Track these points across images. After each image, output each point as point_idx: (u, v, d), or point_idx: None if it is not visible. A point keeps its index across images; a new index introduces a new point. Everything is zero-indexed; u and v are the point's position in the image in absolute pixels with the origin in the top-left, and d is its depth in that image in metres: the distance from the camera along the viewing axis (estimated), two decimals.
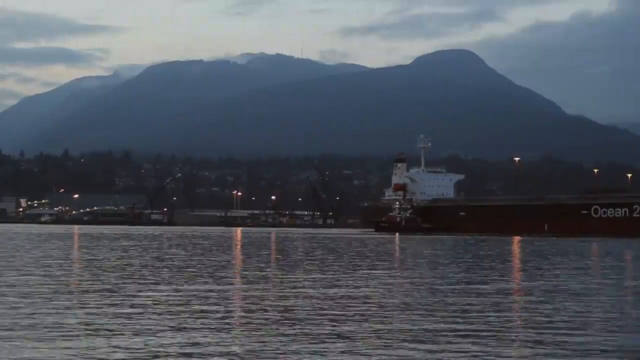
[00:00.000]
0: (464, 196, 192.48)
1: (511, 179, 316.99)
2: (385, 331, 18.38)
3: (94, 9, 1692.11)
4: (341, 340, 16.98)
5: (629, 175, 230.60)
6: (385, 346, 16.37)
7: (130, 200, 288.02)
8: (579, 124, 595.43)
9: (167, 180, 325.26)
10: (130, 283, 30.03)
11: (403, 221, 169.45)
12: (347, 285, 30.49)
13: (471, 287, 30.51)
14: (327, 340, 17.00)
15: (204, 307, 22.20)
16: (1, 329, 17.89)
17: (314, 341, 16.82)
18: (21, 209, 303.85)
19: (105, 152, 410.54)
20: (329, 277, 34.53)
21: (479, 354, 15.66)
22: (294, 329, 18.43)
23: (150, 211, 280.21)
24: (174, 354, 15.32)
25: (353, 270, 40.19)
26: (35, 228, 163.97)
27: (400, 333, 18.09)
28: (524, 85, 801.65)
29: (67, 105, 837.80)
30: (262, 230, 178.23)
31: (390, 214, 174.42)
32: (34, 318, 19.66)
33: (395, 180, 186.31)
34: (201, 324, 19.05)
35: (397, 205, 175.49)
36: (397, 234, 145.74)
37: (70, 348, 15.67)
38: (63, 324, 18.78)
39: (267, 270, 38.94)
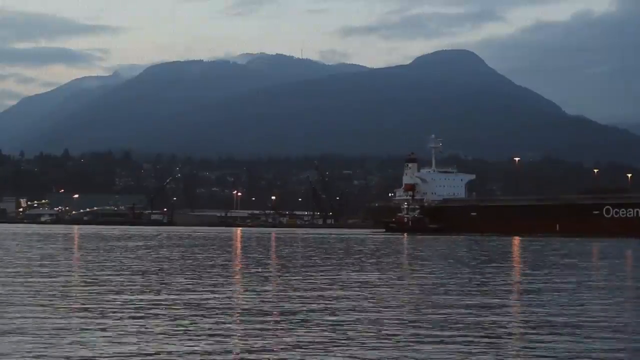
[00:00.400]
0: (475, 196, 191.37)
1: (511, 179, 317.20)
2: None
3: (94, 9, 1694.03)
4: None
5: (629, 175, 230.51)
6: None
7: (130, 200, 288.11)
8: (579, 124, 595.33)
9: (167, 180, 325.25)
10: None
11: (410, 221, 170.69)
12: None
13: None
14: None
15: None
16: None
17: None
18: (21, 209, 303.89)
19: (105, 152, 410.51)
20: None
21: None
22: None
23: (150, 211, 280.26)
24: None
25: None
26: (34, 228, 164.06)
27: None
28: (524, 85, 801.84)
29: (67, 105, 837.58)
30: (263, 231, 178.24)
31: (399, 214, 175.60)
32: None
33: (406, 180, 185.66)
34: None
35: (405, 206, 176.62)
36: (405, 234, 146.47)
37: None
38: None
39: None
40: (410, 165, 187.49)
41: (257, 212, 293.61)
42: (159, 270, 38.30)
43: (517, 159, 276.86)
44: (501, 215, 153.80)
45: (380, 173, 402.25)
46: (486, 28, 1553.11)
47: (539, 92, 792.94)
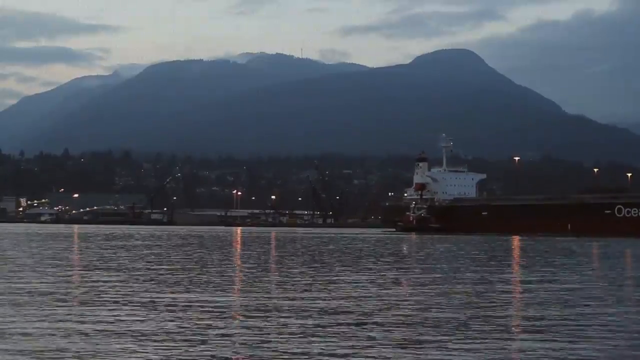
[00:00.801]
0: (486, 196, 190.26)
1: (511, 178, 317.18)
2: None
3: (94, 9, 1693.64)
4: None
5: (629, 174, 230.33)
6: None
7: (130, 200, 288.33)
8: (579, 123, 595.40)
9: (167, 180, 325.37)
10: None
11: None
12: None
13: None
14: None
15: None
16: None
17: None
18: (21, 209, 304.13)
19: (105, 152, 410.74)
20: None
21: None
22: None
23: (150, 211, 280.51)
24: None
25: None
26: (34, 227, 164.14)
27: None
28: (524, 85, 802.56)
29: (67, 104, 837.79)
30: (264, 230, 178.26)
31: (407, 213, 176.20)
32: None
33: (416, 179, 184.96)
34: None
35: (413, 205, 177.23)
36: (413, 233, 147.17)
37: None
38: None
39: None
40: (420, 164, 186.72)
41: (257, 211, 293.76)
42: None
43: (517, 158, 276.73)
44: (512, 215, 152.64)
45: (380, 172, 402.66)
46: (487, 27, 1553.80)
47: (539, 91, 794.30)
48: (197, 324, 19.05)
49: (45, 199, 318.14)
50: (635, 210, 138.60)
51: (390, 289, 29.55)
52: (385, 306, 23.32)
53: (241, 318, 20.53)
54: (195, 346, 16.16)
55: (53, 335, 17.23)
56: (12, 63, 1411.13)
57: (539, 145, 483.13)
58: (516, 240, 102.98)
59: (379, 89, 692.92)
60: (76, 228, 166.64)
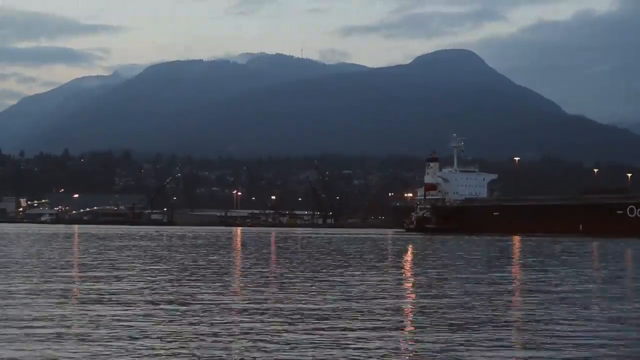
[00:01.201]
0: (497, 196, 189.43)
1: (511, 178, 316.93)
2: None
3: (94, 9, 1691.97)
4: None
5: (629, 175, 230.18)
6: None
7: (130, 200, 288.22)
8: (579, 124, 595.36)
9: (167, 180, 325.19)
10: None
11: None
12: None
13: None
14: None
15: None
16: None
17: None
18: (21, 209, 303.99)
19: (105, 152, 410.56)
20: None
21: None
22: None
23: (150, 211, 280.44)
24: None
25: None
26: (35, 228, 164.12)
27: None
28: (524, 85, 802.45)
29: (67, 105, 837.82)
30: (264, 230, 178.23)
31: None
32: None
33: (427, 179, 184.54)
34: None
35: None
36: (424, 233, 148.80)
37: None
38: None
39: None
40: (431, 164, 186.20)
41: (257, 211, 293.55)
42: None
43: (517, 158, 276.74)
44: (524, 215, 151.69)
45: (380, 173, 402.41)
46: (487, 27, 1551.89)
47: (539, 91, 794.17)
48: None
49: (45, 199, 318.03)
50: None
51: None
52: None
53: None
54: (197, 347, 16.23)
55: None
56: (12, 63, 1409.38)
57: (539, 146, 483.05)
58: (517, 241, 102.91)
59: (379, 89, 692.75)
60: (76, 228, 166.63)
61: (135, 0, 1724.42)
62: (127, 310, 21.99)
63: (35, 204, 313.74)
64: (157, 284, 30.37)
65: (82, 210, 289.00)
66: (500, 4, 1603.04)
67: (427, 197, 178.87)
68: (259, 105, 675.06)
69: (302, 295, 26.54)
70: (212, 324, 19.43)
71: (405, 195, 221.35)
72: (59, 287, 28.38)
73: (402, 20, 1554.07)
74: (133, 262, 44.71)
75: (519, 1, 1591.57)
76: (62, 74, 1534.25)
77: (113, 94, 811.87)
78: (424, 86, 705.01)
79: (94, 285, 29.68)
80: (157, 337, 17.38)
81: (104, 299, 24.64)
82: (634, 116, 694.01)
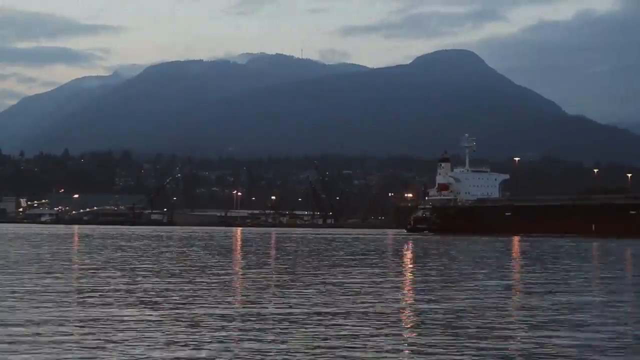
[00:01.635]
0: (509, 196, 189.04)
1: (511, 178, 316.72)
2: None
3: (95, 9, 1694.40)
4: None
5: (629, 175, 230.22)
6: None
7: (130, 200, 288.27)
8: (579, 124, 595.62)
9: (167, 180, 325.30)
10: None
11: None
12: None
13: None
14: None
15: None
16: None
17: None
18: (21, 209, 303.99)
19: (105, 152, 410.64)
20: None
21: None
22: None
23: (150, 211, 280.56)
24: None
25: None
26: (35, 228, 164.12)
27: None
28: (524, 85, 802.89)
29: (68, 105, 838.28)
30: (264, 230, 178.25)
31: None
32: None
33: (439, 180, 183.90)
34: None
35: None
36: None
37: None
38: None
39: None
40: (443, 164, 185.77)
41: (257, 212, 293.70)
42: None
43: (517, 158, 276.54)
44: (536, 216, 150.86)
45: (380, 173, 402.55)
46: (487, 27, 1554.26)
47: (539, 91, 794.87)
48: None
49: (45, 200, 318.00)
50: None
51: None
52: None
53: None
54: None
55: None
56: (12, 63, 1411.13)
57: (539, 146, 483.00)
58: (517, 242, 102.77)
59: (379, 90, 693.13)
60: (76, 228, 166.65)
61: (135, 0, 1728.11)
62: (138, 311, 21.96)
63: (35, 204, 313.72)
64: (169, 285, 30.38)
65: (82, 210, 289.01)
66: (500, 4, 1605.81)
67: (440, 197, 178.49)
68: (259, 105, 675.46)
69: (303, 296, 26.52)
70: (212, 325, 19.43)
71: (406, 195, 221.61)
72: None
73: (402, 20, 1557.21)
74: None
75: (519, 1, 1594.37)
76: (62, 74, 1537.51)
77: (113, 94, 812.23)
78: (424, 86, 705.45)
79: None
80: (155, 342, 17.37)
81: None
82: (634, 116, 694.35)
